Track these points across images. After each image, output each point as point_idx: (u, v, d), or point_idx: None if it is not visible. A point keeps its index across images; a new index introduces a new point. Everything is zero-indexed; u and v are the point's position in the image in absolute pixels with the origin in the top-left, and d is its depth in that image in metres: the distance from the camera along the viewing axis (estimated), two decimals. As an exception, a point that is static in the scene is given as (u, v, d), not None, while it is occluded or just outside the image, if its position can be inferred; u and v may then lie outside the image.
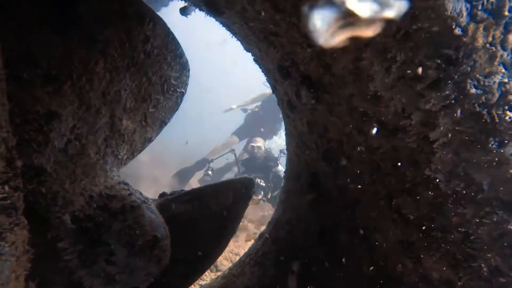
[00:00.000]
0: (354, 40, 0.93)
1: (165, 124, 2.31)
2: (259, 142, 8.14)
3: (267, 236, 2.38)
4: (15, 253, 0.73)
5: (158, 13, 1.95)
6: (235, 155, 8.72)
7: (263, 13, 1.34)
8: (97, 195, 1.70)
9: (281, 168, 7.71)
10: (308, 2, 1.05)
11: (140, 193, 1.91)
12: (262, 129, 9.95)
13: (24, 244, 0.84)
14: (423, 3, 0.77)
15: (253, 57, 2.33)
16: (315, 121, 1.74)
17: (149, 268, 1.69)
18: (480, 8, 0.77)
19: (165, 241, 1.70)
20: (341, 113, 1.36)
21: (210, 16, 2.22)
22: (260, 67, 2.38)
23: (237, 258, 3.93)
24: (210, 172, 8.67)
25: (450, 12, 0.77)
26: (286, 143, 2.52)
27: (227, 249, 3.14)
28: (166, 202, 1.96)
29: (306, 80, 1.61)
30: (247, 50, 2.34)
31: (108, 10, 1.70)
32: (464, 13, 0.77)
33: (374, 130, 1.14)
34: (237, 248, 5.07)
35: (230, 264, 3.98)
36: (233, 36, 2.30)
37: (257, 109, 10.62)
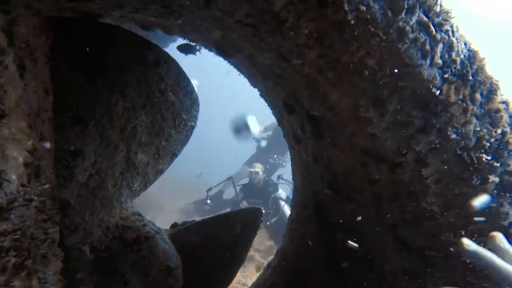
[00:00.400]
0: (351, 89, 1.08)
1: (176, 156, 2.41)
2: (257, 167, 7.96)
3: (275, 265, 2.40)
4: (54, 282, 0.82)
5: (167, 48, 2.12)
6: (233, 182, 8.56)
7: (269, 60, 1.50)
8: (113, 226, 1.78)
9: (282, 193, 7.57)
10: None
11: (153, 224, 1.99)
12: (270, 158, 10.02)
13: (58, 274, 0.93)
14: (405, 69, 0.93)
15: (259, 92, 2.48)
16: (320, 153, 1.84)
17: (161, 298, 1.73)
18: (449, 73, 0.93)
19: (178, 271, 1.75)
20: (343, 148, 1.47)
21: (219, 56, 2.39)
22: (266, 102, 2.52)
23: (245, 289, 3.87)
24: (209, 201, 8.59)
25: (426, 76, 0.93)
26: (292, 173, 2.60)
27: (235, 279, 3.13)
28: (177, 232, 2.02)
29: (311, 117, 1.73)
30: (254, 86, 2.49)
31: (131, 56, 1.87)
32: (438, 77, 0.94)
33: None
34: (245, 278, 4.99)
35: (238, 296, 3.91)
36: (240, 74, 2.46)
37: (267, 137, 10.78)
